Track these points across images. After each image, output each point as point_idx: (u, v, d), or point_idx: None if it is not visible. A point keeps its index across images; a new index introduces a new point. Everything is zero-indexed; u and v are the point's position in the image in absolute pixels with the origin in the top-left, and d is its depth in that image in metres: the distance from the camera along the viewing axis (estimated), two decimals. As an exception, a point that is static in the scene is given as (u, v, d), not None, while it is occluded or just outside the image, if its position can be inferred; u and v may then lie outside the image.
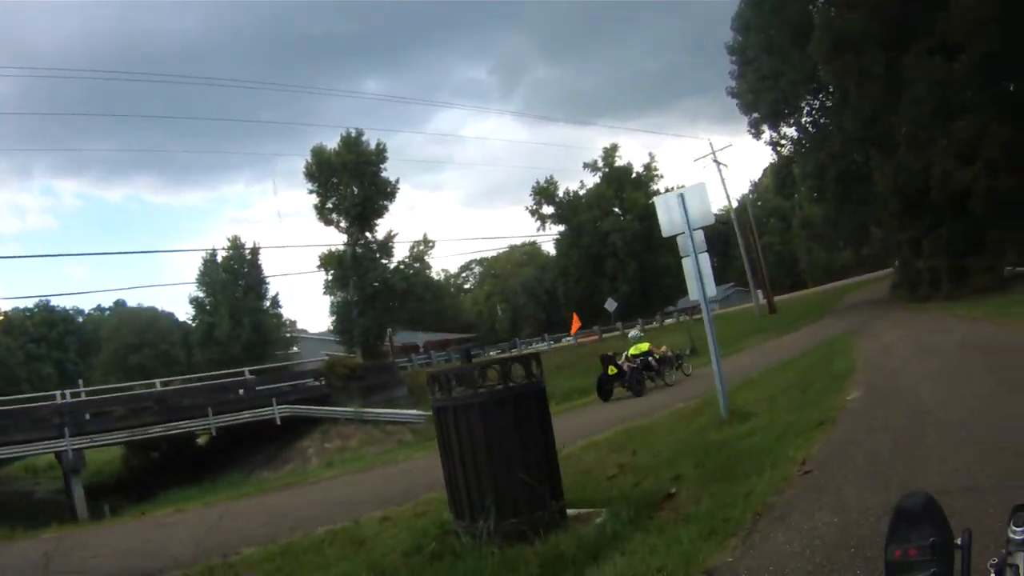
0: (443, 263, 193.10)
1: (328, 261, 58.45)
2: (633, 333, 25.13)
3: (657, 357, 22.21)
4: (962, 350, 14.55)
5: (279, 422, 31.71)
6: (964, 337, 17.56)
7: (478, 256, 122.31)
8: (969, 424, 7.94)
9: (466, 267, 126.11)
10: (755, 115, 43.61)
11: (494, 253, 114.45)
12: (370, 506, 10.82)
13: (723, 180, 56.20)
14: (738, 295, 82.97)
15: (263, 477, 26.49)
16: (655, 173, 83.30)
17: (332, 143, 59.36)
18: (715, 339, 12.53)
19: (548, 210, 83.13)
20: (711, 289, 11.93)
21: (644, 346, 22.15)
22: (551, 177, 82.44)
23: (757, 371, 19.23)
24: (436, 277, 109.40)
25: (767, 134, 44.28)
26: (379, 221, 60.56)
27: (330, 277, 60.02)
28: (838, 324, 33.13)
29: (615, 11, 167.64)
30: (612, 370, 21.15)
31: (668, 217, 12.15)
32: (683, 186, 14.21)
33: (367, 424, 32.30)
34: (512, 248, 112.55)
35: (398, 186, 61.24)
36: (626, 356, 21.67)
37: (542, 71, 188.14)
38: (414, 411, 33.05)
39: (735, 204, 64.37)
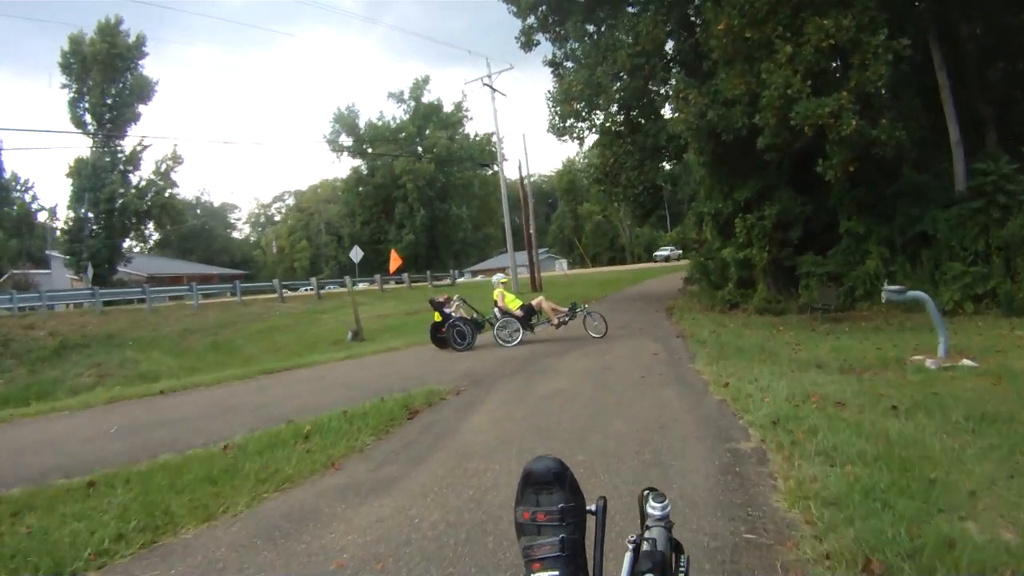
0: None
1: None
2: (495, 277, 18.33)
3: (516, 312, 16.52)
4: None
5: None
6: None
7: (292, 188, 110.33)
8: None
9: (279, 198, 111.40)
10: (530, 20, 27.79)
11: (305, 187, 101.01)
12: None
13: (495, 112, 41.68)
14: (548, 262, 73.36)
15: None
16: (464, 114, 69.18)
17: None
18: None
19: (348, 141, 68.10)
20: None
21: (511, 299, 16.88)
22: (352, 105, 69.04)
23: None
24: (198, 200, 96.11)
25: (544, 46, 27.77)
26: (133, 126, 48.78)
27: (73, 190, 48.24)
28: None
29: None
30: (437, 317, 16.54)
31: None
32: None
33: None
34: (323, 182, 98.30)
35: (156, 87, 49.19)
36: (455, 303, 16.84)
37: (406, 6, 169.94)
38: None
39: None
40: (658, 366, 11.19)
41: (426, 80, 69.78)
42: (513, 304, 16.49)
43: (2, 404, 15.04)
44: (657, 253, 77.19)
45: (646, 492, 1.38)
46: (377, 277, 44.55)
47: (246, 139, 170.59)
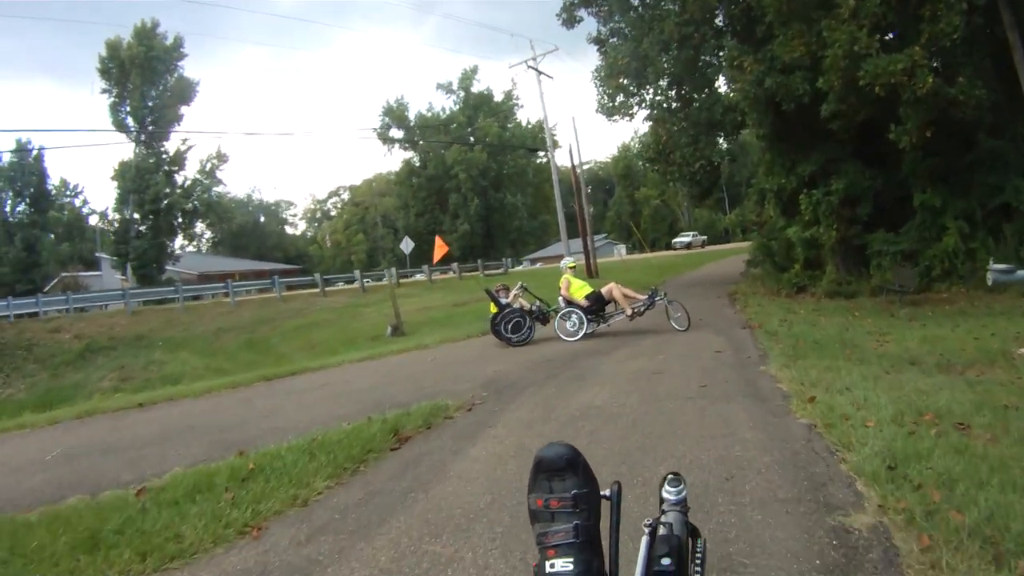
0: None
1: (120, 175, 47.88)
2: (563, 262, 16.32)
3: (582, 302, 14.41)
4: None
5: None
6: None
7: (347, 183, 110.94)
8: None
9: (334, 193, 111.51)
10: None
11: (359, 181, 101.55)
12: None
13: (542, 95, 40.55)
14: (606, 248, 70.48)
15: None
16: (514, 102, 68.06)
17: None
18: None
19: (398, 134, 67.58)
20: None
21: (579, 286, 14.73)
22: (402, 97, 68.60)
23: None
24: (249, 197, 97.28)
25: (589, 24, 26.09)
26: (176, 128, 48.92)
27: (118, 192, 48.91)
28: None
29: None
30: (493, 308, 15.01)
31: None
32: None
33: None
34: (377, 176, 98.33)
35: (197, 88, 49.66)
36: (514, 292, 15.17)
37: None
38: None
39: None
40: (722, 369, 9.18)
41: (474, 70, 68.98)
42: (579, 292, 14.44)
43: (19, 411, 14.07)
44: (677, 240, 71.31)
45: (669, 476, 1.45)
46: (425, 267, 43.76)
47: (271, 131, 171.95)
